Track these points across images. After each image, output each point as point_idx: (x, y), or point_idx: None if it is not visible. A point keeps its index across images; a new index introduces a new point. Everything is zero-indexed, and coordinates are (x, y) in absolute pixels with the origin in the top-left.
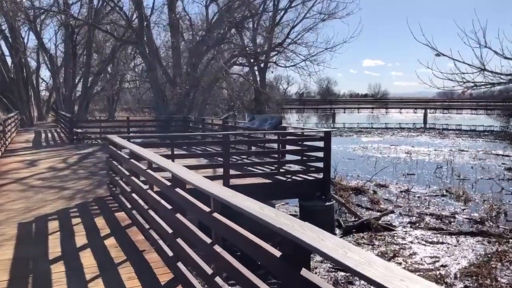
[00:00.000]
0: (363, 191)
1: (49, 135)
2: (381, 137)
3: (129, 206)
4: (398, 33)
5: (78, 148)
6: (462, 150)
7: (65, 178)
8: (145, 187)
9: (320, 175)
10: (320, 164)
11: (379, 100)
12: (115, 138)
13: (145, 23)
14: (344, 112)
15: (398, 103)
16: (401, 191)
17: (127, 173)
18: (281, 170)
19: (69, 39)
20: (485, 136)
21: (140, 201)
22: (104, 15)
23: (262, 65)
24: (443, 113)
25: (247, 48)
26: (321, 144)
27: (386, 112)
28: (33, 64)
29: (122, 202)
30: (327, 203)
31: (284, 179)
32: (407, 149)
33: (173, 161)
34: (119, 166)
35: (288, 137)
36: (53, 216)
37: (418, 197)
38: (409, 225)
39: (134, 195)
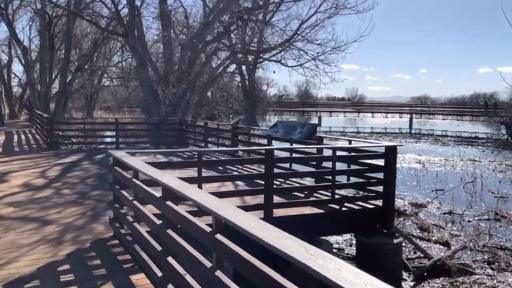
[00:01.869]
0: (401, 213)
1: (23, 137)
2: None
3: (158, 273)
4: (373, 38)
5: (58, 156)
6: (474, 160)
7: (46, 202)
8: (208, 263)
9: (380, 202)
10: (379, 188)
11: (363, 104)
12: (127, 159)
13: (136, 12)
14: (330, 116)
15: (384, 107)
16: (444, 213)
17: (157, 221)
18: (336, 196)
19: (46, 30)
20: (483, 144)
21: (191, 281)
22: (86, 4)
23: (251, 65)
24: (428, 118)
25: (251, 46)
26: (379, 162)
27: (372, 116)
28: (4, 57)
29: (138, 255)
30: (395, 240)
31: (337, 207)
32: (415, 158)
33: (199, 186)
34: (136, 202)
35: (342, 153)
36: (34, 281)
37: (469, 221)
38: (486, 264)
39: (172, 261)
